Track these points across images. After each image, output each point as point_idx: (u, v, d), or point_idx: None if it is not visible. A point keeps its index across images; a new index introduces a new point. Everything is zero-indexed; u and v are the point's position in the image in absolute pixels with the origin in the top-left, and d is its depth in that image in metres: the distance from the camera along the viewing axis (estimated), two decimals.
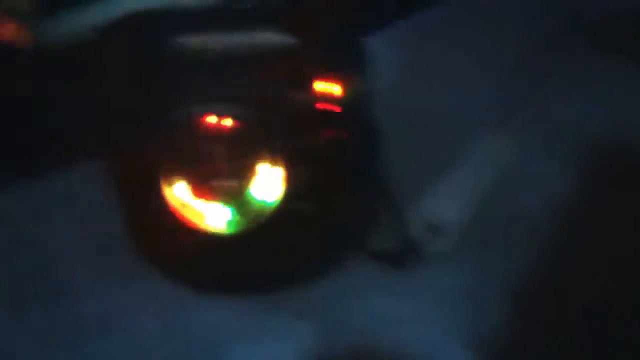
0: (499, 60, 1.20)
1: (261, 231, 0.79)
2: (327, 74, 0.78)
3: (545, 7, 1.32)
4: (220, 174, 0.77)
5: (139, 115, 0.76)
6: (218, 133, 0.75)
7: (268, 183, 0.78)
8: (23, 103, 0.87)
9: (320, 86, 0.77)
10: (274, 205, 0.77)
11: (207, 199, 0.78)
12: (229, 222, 0.79)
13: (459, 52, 1.19)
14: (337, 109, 0.78)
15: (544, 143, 1.13)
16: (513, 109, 1.15)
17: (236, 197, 0.78)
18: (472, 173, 1.04)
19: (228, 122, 0.75)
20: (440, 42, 1.20)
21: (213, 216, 0.79)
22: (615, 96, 1.19)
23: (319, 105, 0.77)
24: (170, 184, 0.77)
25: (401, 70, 1.05)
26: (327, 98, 0.77)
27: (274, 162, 0.76)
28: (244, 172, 0.77)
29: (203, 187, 0.78)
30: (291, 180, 0.77)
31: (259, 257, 0.81)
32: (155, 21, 0.76)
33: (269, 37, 0.78)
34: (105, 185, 0.85)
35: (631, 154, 1.07)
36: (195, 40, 0.76)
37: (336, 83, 0.79)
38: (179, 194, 0.78)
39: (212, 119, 0.75)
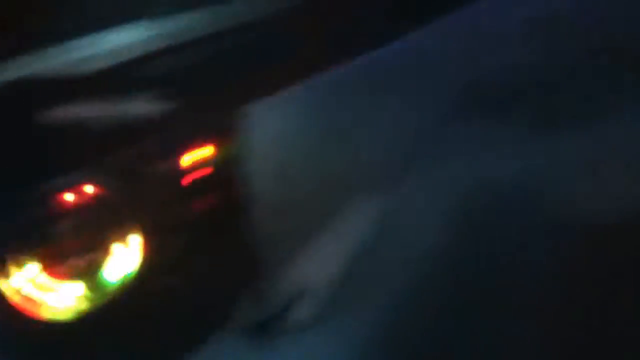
0: (388, 122, 1.21)
1: (118, 310, 0.74)
2: (202, 141, 0.75)
3: (436, 73, 1.34)
4: (77, 250, 0.73)
5: None
6: (79, 204, 0.71)
7: (128, 257, 0.74)
8: None
9: (193, 154, 0.74)
10: (133, 281, 0.73)
11: (59, 278, 0.73)
12: (82, 300, 0.73)
13: (348, 115, 1.20)
14: (208, 176, 0.76)
15: (425, 201, 1.14)
16: (398, 170, 1.16)
17: (92, 274, 0.73)
18: (348, 233, 1.03)
19: (87, 194, 0.71)
20: (328, 106, 1.20)
21: (65, 297, 0.74)
22: (490, 156, 1.23)
23: (190, 174, 0.74)
24: (18, 265, 0.72)
25: (284, 134, 1.03)
26: (199, 166, 0.75)
27: (140, 233, 0.72)
28: (102, 247, 0.73)
29: (56, 265, 0.73)
30: (154, 253, 0.73)
31: (115, 339, 0.76)
32: (24, 91, 0.71)
33: (142, 105, 0.75)
34: None
35: (509, 209, 1.10)
36: (64, 110, 0.72)
37: (209, 149, 0.76)
38: (28, 275, 0.73)
39: (74, 190, 0.70)
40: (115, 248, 0.72)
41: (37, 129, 0.71)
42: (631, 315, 0.94)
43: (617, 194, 1.15)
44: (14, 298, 0.71)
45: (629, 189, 1.15)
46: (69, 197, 0.70)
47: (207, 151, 0.76)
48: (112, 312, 0.73)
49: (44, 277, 0.72)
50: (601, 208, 1.13)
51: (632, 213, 1.07)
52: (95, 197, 0.71)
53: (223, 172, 0.77)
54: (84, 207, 0.71)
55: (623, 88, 1.40)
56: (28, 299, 0.71)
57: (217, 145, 0.76)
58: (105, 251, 0.72)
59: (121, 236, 0.72)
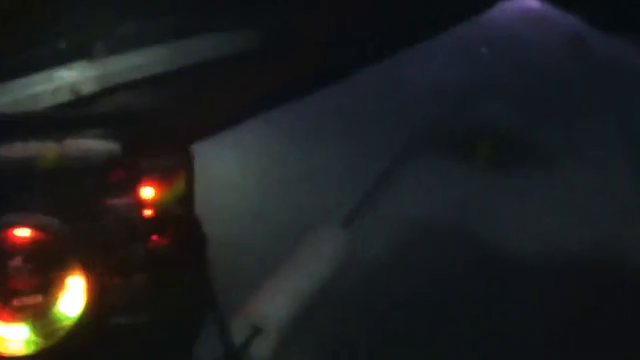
0: (345, 160, 1.22)
1: (64, 351, 0.73)
2: (149, 180, 0.75)
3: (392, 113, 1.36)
4: (24, 291, 0.71)
5: None
6: (23, 246, 0.70)
7: (76, 297, 0.72)
8: None
9: (141, 192, 0.73)
10: (81, 320, 0.72)
11: (8, 320, 0.71)
12: (27, 342, 0.71)
13: (300, 155, 1.20)
14: (156, 215, 0.75)
15: (381, 238, 1.15)
16: (355, 208, 1.17)
17: (39, 315, 0.72)
18: (301, 270, 1.03)
19: (35, 234, 0.70)
20: (284, 145, 1.21)
21: (15, 338, 0.71)
22: (450, 191, 1.25)
23: (137, 213, 0.73)
24: None
25: (237, 172, 1.04)
26: (147, 204, 0.74)
27: (84, 274, 0.71)
28: (49, 287, 0.72)
29: (3, 307, 0.71)
30: (103, 292, 0.72)
31: None
32: None
33: (89, 144, 0.75)
34: None
35: (451, 242, 1.12)
36: (12, 148, 0.71)
37: (158, 188, 0.76)
38: None
39: (17, 232, 0.69)
40: (60, 289, 0.71)
41: None
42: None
43: (558, 237, 1.18)
44: None
45: (569, 234, 1.19)
46: (14, 236, 0.69)
47: (153, 191, 0.76)
48: (58, 354, 0.72)
49: None
50: (539, 249, 1.16)
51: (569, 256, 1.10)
52: (40, 237, 0.70)
53: (173, 211, 0.77)
54: (29, 248, 0.70)
55: (576, 133, 1.44)
56: None
57: (166, 186, 0.76)
58: (50, 292, 0.71)
59: (66, 277, 0.71)
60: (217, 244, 0.83)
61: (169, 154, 0.77)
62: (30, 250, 0.69)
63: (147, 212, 0.74)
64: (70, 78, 0.82)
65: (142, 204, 0.74)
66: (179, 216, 0.78)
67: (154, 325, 0.77)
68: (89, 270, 0.70)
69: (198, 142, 0.82)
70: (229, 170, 1.02)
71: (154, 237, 0.75)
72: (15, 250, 0.69)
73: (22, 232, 0.69)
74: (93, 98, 0.79)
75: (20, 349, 0.71)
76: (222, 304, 0.84)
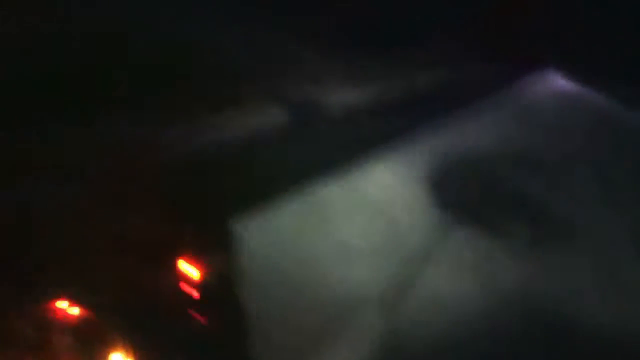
0: (387, 237, 1.20)
1: None
2: (192, 258, 0.74)
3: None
4: None
5: None
6: (66, 322, 0.69)
7: None
8: None
9: (183, 271, 0.72)
10: None
11: None
12: None
13: (348, 231, 1.18)
14: (199, 294, 0.74)
15: (412, 317, 1.12)
16: (394, 287, 1.15)
17: None
18: (348, 348, 1.00)
19: (78, 310, 0.69)
20: (323, 218, 1.20)
21: None
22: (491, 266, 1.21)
23: (180, 292, 0.72)
24: None
25: (276, 251, 1.02)
26: (190, 283, 0.73)
27: (126, 351, 0.69)
28: None
29: None
30: None
31: None
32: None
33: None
34: None
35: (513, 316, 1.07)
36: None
37: (200, 267, 0.75)
38: None
39: (61, 307, 0.68)
40: None
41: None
42: None
43: (614, 311, 1.14)
44: None
45: (623, 308, 1.15)
46: (62, 311, 0.69)
47: (197, 269, 0.75)
48: None
49: None
50: (601, 322, 1.12)
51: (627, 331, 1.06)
52: (87, 314, 0.69)
53: (217, 291, 0.75)
54: (76, 323, 0.69)
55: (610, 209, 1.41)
56: None
57: (211, 264, 0.75)
58: None
59: (109, 353, 0.70)
60: (266, 321, 0.81)
61: (214, 232, 0.76)
62: (77, 325, 0.68)
63: (191, 291, 0.74)
64: None
65: (185, 283, 0.73)
66: (223, 296, 0.76)
67: None
68: (132, 349, 0.69)
69: (242, 216, 0.82)
70: (276, 245, 1.00)
71: (197, 317, 0.74)
72: (63, 324, 0.68)
73: (71, 309, 0.68)
74: None
75: None
76: None
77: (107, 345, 0.70)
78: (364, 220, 1.24)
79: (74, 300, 0.68)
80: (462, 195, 1.37)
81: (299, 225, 1.16)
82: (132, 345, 0.69)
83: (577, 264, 1.31)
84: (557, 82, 2.07)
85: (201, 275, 0.75)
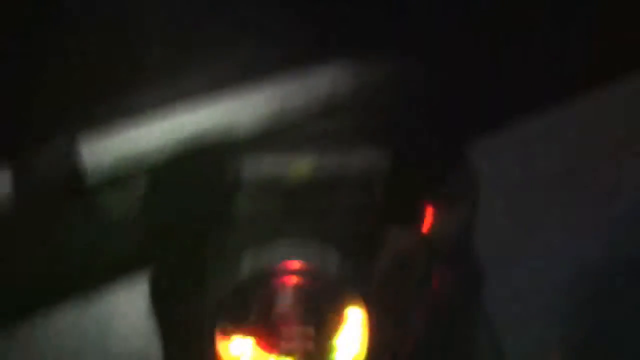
0: None
1: None
2: (430, 204, 0.63)
3: None
4: (295, 320, 0.62)
5: (194, 258, 0.61)
6: (294, 282, 0.60)
7: (353, 332, 0.62)
8: None
9: (421, 220, 0.61)
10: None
11: (274, 353, 0.62)
12: None
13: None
14: (438, 247, 0.63)
15: None
16: None
17: (311, 349, 0.62)
18: None
19: (307, 268, 0.60)
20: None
21: None
22: None
23: (418, 244, 0.61)
24: (227, 339, 0.61)
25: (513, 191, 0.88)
26: (428, 234, 0.62)
27: (363, 307, 0.60)
28: (324, 319, 0.62)
29: (270, 339, 0.62)
30: (382, 336, 0.61)
31: None
32: (214, 147, 0.62)
33: (359, 160, 0.64)
34: (148, 330, 0.70)
35: None
36: (264, 166, 0.62)
37: (440, 216, 0.64)
38: (238, 350, 0.62)
39: (288, 265, 0.60)
40: (336, 322, 0.61)
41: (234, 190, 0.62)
42: None
43: None
44: None
45: None
46: (288, 270, 0.60)
47: (434, 219, 0.63)
48: None
49: (254, 348, 0.61)
50: None
51: None
52: (314, 271, 0.60)
53: (455, 244, 0.64)
54: (304, 283, 0.60)
55: None
56: None
57: (449, 212, 0.64)
58: (324, 324, 0.61)
59: (344, 308, 0.61)
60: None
61: (455, 173, 0.64)
62: (303, 280, 0.60)
63: (429, 244, 0.62)
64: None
65: (422, 234, 0.62)
66: (461, 250, 0.65)
67: None
68: (371, 308, 0.59)
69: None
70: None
71: (436, 275, 0.63)
72: (286, 280, 0.60)
73: (300, 267, 0.60)
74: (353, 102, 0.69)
75: None
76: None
77: (340, 310, 0.62)
78: None
79: (301, 259, 0.61)
80: None
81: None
82: (368, 301, 0.61)
83: None
84: None
85: (439, 225, 0.65)
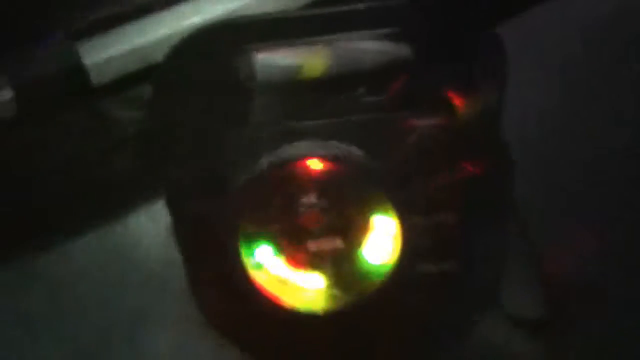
0: None
1: (371, 305, 0.59)
2: (454, 90, 0.59)
3: None
4: (319, 232, 0.59)
5: (212, 156, 0.57)
6: (316, 180, 0.56)
7: (383, 241, 0.59)
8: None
9: (446, 107, 0.57)
10: (389, 270, 0.58)
11: (299, 265, 0.59)
12: (324, 296, 0.59)
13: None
14: (466, 136, 0.59)
15: None
16: None
17: (338, 262, 0.59)
18: None
19: (329, 165, 0.56)
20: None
21: (308, 288, 0.59)
22: None
23: (445, 133, 0.57)
24: (251, 245, 0.59)
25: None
26: (454, 122, 0.58)
27: (393, 211, 0.56)
28: (351, 228, 0.58)
29: (295, 250, 0.59)
30: (412, 235, 0.58)
31: (370, 338, 0.62)
32: (230, 35, 0.58)
33: (370, 46, 0.60)
34: (168, 241, 0.68)
35: None
36: (280, 55, 0.58)
37: (466, 101, 0.59)
38: (263, 258, 0.59)
39: (309, 162, 0.56)
40: (364, 231, 0.58)
41: (252, 79, 0.58)
42: None
43: None
44: (256, 276, 0.58)
45: None
46: (306, 168, 0.56)
47: (459, 105, 0.59)
48: (361, 312, 0.59)
49: (281, 260, 0.59)
50: None
51: None
52: (337, 169, 0.56)
53: (484, 130, 0.60)
54: (324, 181, 0.56)
55: None
56: (272, 279, 0.59)
57: (475, 96, 0.60)
58: (351, 235, 0.58)
59: (371, 215, 0.57)
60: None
61: (480, 55, 0.60)
62: (325, 184, 0.56)
63: (455, 133, 0.58)
64: None
65: (448, 122, 0.58)
66: (490, 137, 0.61)
67: (464, 274, 0.62)
68: (399, 209, 0.55)
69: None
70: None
71: (465, 165, 0.59)
72: (308, 185, 0.56)
73: (314, 164, 0.56)
74: None
75: (316, 303, 0.59)
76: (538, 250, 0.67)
77: (368, 207, 0.58)
78: None
79: (324, 154, 0.56)
80: None
81: None
82: (399, 204, 0.57)
83: None
84: None
85: (465, 111, 0.60)
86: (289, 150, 0.55)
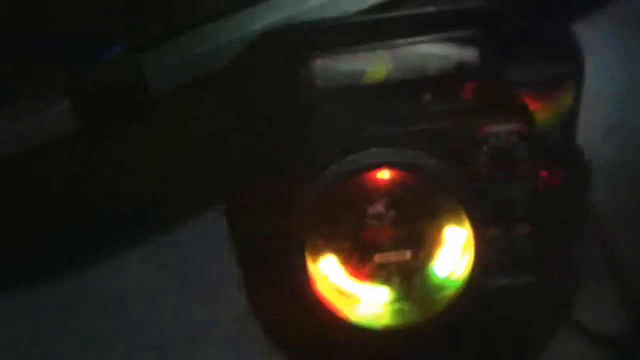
0: None
1: (442, 321, 0.56)
2: (527, 96, 0.56)
3: None
4: (386, 245, 0.56)
5: (275, 167, 0.55)
6: (384, 190, 0.54)
7: (455, 254, 0.56)
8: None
9: (520, 114, 0.54)
10: (460, 285, 0.55)
11: (366, 278, 0.56)
12: (391, 311, 0.56)
13: None
14: (543, 144, 0.56)
15: None
16: None
17: (407, 275, 0.56)
18: None
19: (398, 174, 0.53)
20: None
21: (373, 301, 0.57)
22: None
23: (521, 142, 0.54)
24: (316, 258, 0.57)
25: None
26: (529, 129, 0.55)
27: (467, 224, 0.53)
28: (420, 241, 0.55)
29: (361, 262, 0.56)
30: (486, 248, 0.55)
31: (437, 355, 0.59)
32: (291, 42, 0.55)
33: (448, 52, 0.57)
34: (229, 255, 0.66)
35: None
36: (343, 62, 0.56)
37: (541, 107, 0.57)
38: (328, 270, 0.57)
39: (377, 173, 0.53)
40: (435, 243, 0.55)
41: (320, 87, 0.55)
42: None
43: None
44: (320, 286, 0.55)
45: None
46: (373, 178, 0.54)
47: (534, 112, 0.56)
48: (431, 328, 0.56)
49: (344, 273, 0.56)
50: None
51: None
52: (407, 179, 0.53)
53: (560, 138, 0.57)
54: (392, 191, 0.54)
55: None
56: (336, 291, 0.56)
57: (550, 103, 0.57)
58: (421, 247, 0.55)
59: (442, 228, 0.54)
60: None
61: (553, 59, 0.57)
62: (395, 194, 0.53)
63: (532, 139, 0.55)
64: None
65: (524, 128, 0.54)
66: (568, 143, 0.58)
67: (540, 287, 0.58)
68: (475, 219, 0.52)
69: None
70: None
71: (543, 174, 0.56)
72: (375, 194, 0.53)
73: (383, 174, 0.53)
74: None
75: (381, 319, 0.56)
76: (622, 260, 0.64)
77: (440, 218, 0.55)
78: None
79: (393, 163, 0.54)
80: None
81: None
82: (474, 215, 0.54)
83: None
84: None
85: (540, 118, 0.58)
86: (356, 159, 0.52)
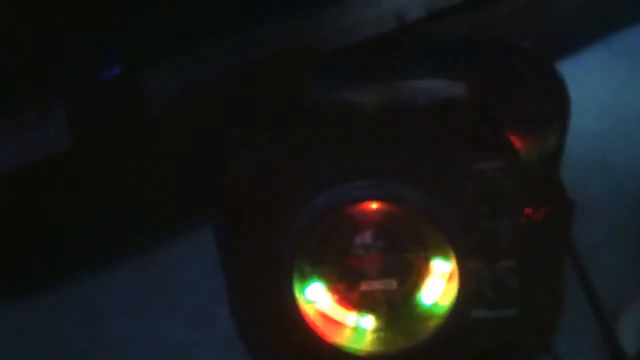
0: None
1: (426, 349, 0.57)
2: (514, 133, 0.57)
3: None
4: (373, 273, 0.57)
5: (266, 191, 0.56)
6: (371, 220, 0.55)
7: (438, 284, 0.57)
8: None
9: (506, 150, 0.56)
10: (445, 314, 0.57)
11: (352, 306, 0.57)
12: (375, 338, 0.57)
13: None
14: (527, 180, 0.57)
15: None
16: None
17: (393, 304, 0.58)
18: None
19: (386, 206, 0.55)
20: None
21: (358, 328, 0.58)
22: None
23: (506, 178, 0.56)
24: (303, 283, 0.58)
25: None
26: (515, 166, 0.56)
27: (451, 255, 0.55)
28: (407, 271, 0.57)
29: (348, 290, 0.57)
30: (470, 280, 0.56)
31: None
32: (293, 68, 0.57)
33: (429, 85, 0.59)
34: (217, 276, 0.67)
35: None
36: (344, 94, 0.57)
37: (526, 144, 0.58)
38: (315, 296, 0.58)
39: (366, 204, 0.55)
40: (421, 274, 0.56)
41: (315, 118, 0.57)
42: None
43: None
44: (307, 311, 0.56)
45: None
46: (361, 209, 0.55)
47: (520, 148, 0.57)
48: (414, 356, 0.57)
49: (331, 300, 0.57)
50: None
51: None
52: (394, 210, 0.55)
53: (544, 175, 0.58)
54: (379, 221, 0.55)
55: None
56: (322, 316, 0.57)
57: (535, 140, 0.58)
58: (408, 277, 0.56)
59: (429, 259, 0.56)
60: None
61: (540, 97, 0.58)
62: (381, 224, 0.54)
63: (517, 176, 0.56)
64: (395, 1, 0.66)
65: (510, 165, 0.56)
66: (550, 182, 0.59)
67: (522, 321, 0.59)
68: (459, 252, 0.54)
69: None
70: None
71: (527, 211, 0.57)
72: (363, 224, 0.55)
73: (372, 204, 0.54)
74: (419, 26, 0.63)
75: (366, 345, 0.57)
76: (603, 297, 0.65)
77: (426, 249, 0.57)
78: None
79: (380, 196, 0.54)
80: None
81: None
82: (459, 248, 0.55)
83: None
84: None
85: (526, 155, 0.58)
86: (345, 190, 0.54)
